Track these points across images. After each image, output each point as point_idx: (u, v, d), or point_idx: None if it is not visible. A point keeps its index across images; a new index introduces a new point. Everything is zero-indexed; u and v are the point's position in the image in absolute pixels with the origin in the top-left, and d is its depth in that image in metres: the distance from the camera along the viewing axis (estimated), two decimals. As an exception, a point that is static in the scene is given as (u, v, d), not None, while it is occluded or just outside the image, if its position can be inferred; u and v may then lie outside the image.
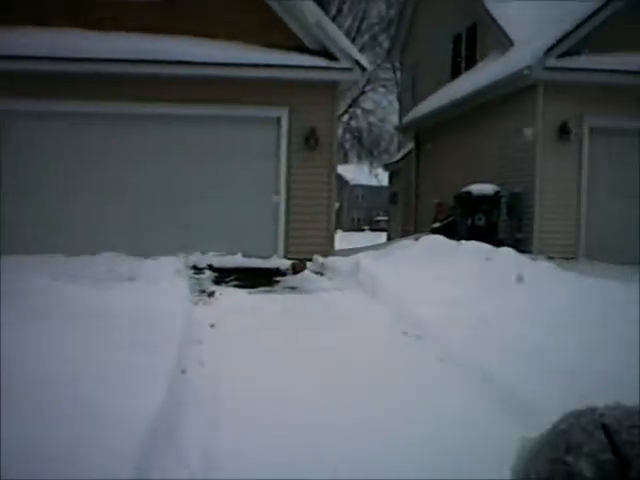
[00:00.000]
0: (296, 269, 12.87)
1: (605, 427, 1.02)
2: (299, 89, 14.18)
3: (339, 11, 38.33)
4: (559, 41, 14.52)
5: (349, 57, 14.15)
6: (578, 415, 1.07)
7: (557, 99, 14.59)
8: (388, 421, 4.92)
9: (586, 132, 14.55)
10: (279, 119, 14.22)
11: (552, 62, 14.46)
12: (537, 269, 9.23)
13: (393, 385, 5.73)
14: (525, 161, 14.93)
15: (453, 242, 11.85)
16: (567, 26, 14.65)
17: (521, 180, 14.92)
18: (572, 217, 14.48)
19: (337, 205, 48.86)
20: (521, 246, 14.21)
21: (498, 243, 13.40)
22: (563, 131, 14.44)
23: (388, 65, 36.48)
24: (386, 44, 35.20)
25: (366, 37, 40.14)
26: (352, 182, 64.21)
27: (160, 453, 4.01)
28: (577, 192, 14.52)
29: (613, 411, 1.06)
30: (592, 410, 1.07)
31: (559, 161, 14.53)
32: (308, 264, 13.22)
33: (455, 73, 20.48)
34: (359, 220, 69.16)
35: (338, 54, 14.10)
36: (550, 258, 13.43)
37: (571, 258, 14.10)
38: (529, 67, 14.40)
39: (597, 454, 0.99)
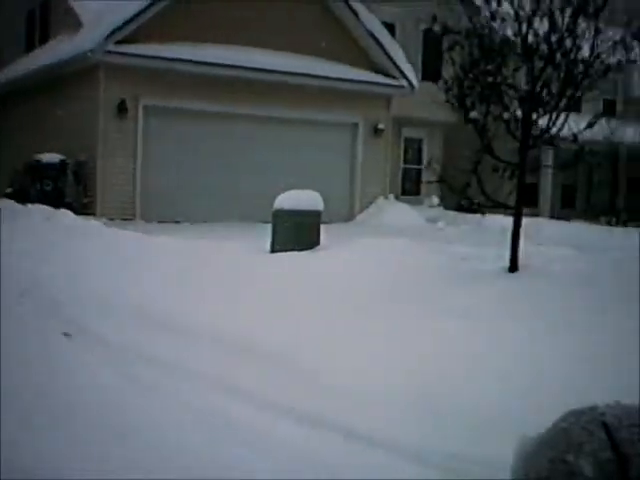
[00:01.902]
0: None
1: (606, 426, 1.01)
2: None
3: None
4: (119, 27, 16.74)
5: None
6: (579, 414, 1.06)
7: (117, 80, 16.86)
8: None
9: (141, 111, 17.06)
10: None
11: (112, 47, 16.65)
12: (86, 226, 11.52)
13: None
14: (89, 133, 17.02)
15: (20, 206, 13.60)
16: (130, 13, 16.87)
17: (86, 150, 17.00)
18: (130, 184, 16.95)
19: None
20: (87, 209, 16.36)
21: (65, 206, 15.37)
22: (121, 109, 16.80)
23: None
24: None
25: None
26: None
27: None
28: (134, 162, 17.01)
29: (614, 410, 1.05)
30: (593, 409, 1.06)
31: (118, 135, 16.89)
32: None
33: (30, 47, 21.71)
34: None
35: None
36: (111, 219, 15.72)
37: (130, 219, 16.56)
38: (92, 50, 16.46)
39: (597, 453, 0.98)
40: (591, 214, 25.88)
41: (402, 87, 20.01)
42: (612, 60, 7.82)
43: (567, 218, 23.64)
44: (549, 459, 1.04)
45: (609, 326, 5.54)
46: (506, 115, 7.94)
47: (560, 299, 6.31)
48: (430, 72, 24.05)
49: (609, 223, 24.40)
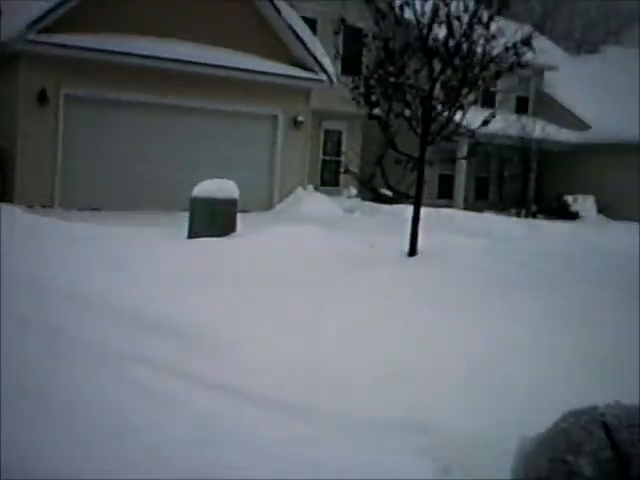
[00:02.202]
0: None
1: (606, 426, 1.01)
2: None
3: None
4: (41, 17, 16.84)
5: None
6: (579, 414, 1.06)
7: (38, 69, 16.96)
8: None
9: (62, 100, 17.20)
10: None
11: (34, 36, 16.74)
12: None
13: None
14: (10, 121, 17.09)
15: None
16: (52, 2, 16.98)
17: (6, 137, 17.07)
18: (50, 171, 17.10)
19: None
20: (6, 196, 16.44)
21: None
22: (42, 98, 16.92)
23: None
24: None
25: None
26: None
27: None
28: (54, 150, 17.15)
29: (614, 410, 1.04)
30: (593, 409, 1.06)
31: (39, 123, 17.01)
32: None
33: (-53, 32, 21.49)
34: None
35: None
36: (30, 206, 15.86)
37: (49, 206, 16.71)
38: (12, 39, 16.52)
39: (597, 453, 0.98)
40: (502, 206, 27.01)
41: (321, 81, 20.58)
42: (504, 64, 8.53)
43: (480, 209, 24.63)
44: (549, 459, 1.05)
45: (486, 307, 6.22)
46: (407, 112, 8.57)
47: (445, 279, 6.98)
48: (350, 67, 24.75)
49: (519, 215, 25.55)
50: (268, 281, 7.61)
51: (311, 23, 22.62)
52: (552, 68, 31.52)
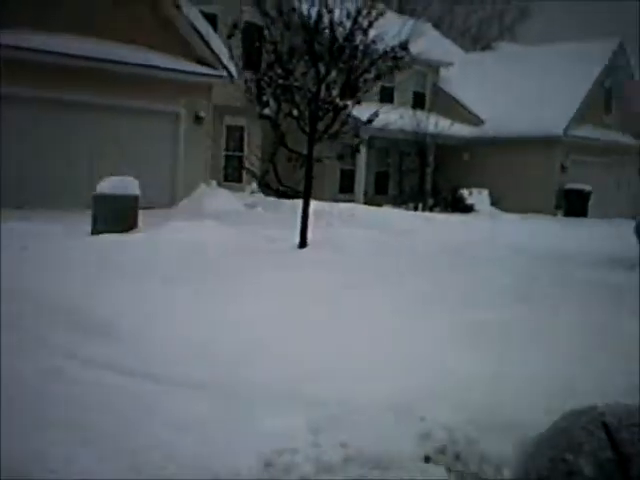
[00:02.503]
0: None
1: (605, 426, 1.02)
2: None
3: None
4: None
5: None
6: (578, 414, 1.07)
7: None
8: None
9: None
10: None
11: None
12: None
13: None
14: None
15: None
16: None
17: None
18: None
19: None
20: None
21: None
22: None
23: None
24: None
25: None
26: None
27: None
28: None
29: (613, 409, 1.05)
30: (592, 409, 1.06)
31: None
32: None
33: None
34: None
35: None
36: None
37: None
38: None
39: (597, 452, 0.99)
40: (401, 200, 27.92)
41: (221, 77, 20.91)
42: (384, 68, 9.17)
43: (379, 204, 25.40)
44: (549, 459, 1.06)
45: (366, 290, 6.84)
46: (295, 112, 9.12)
47: (325, 266, 7.60)
48: (251, 62, 25.12)
49: (416, 208, 26.48)
50: (166, 274, 8.02)
51: (212, 18, 22.91)
52: (448, 64, 32.67)
